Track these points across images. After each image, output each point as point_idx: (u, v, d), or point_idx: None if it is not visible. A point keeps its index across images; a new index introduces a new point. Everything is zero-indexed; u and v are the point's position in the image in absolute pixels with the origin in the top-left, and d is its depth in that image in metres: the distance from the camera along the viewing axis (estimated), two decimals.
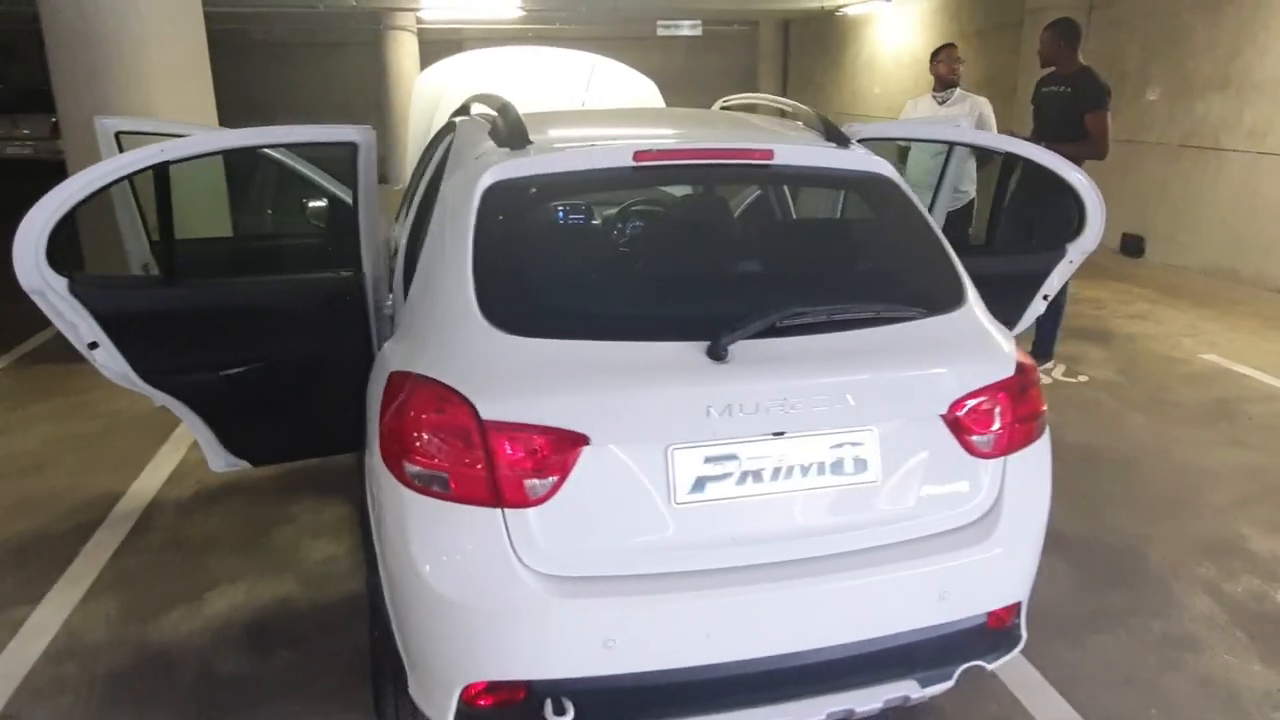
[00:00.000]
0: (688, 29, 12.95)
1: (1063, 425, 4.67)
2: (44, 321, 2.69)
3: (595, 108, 4.79)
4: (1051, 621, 3.02)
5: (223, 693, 2.69)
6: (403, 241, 3.07)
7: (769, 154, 2.30)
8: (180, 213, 2.93)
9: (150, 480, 4.07)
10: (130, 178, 2.75)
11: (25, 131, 15.71)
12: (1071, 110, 5.00)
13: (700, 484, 1.90)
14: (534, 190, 2.21)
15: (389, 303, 3.06)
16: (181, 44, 5.37)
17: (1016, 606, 2.21)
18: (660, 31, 12.96)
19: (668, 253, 2.28)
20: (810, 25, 16.06)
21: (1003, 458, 2.11)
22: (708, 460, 1.90)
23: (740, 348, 1.92)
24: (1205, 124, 7.96)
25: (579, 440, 1.83)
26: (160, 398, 3.00)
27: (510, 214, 2.15)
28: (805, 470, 1.95)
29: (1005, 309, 3.20)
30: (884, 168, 2.42)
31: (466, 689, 1.90)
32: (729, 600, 1.90)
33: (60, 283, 2.67)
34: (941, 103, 5.79)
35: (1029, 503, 2.16)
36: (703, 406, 1.87)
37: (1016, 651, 2.26)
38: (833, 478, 1.97)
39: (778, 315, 1.94)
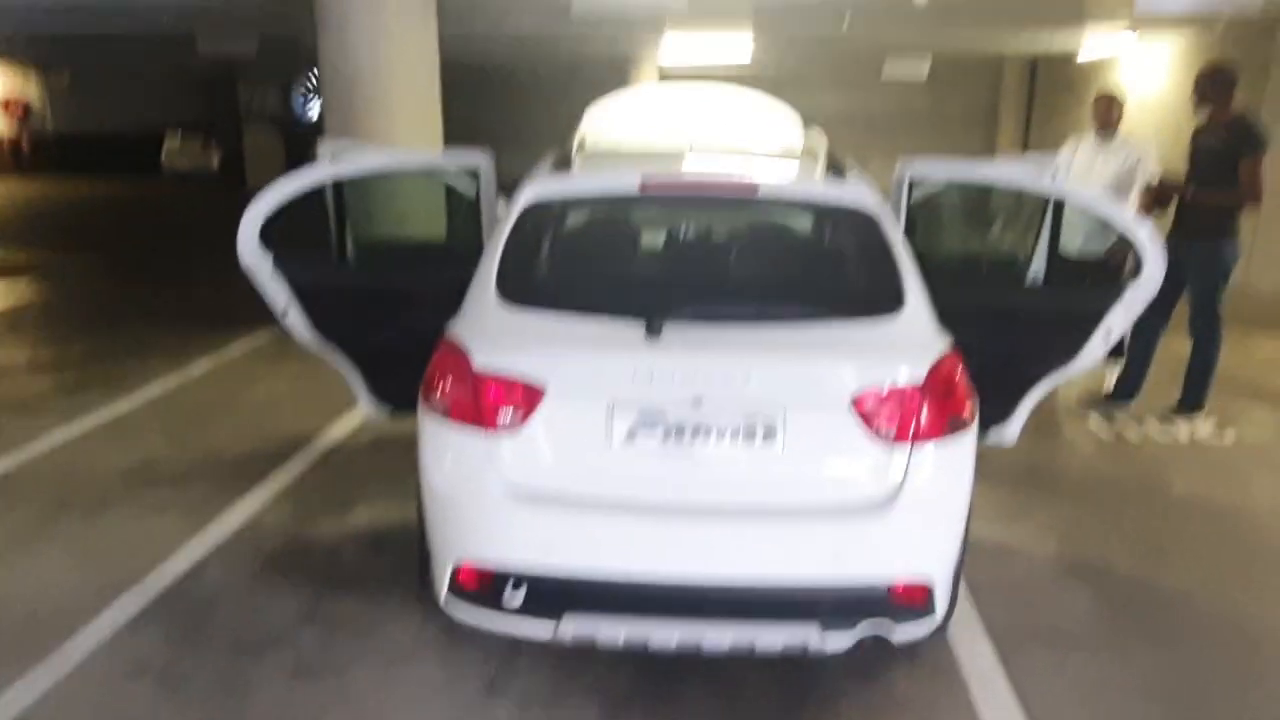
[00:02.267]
0: (913, 72, 13.06)
1: (1182, 479, 4.62)
2: None
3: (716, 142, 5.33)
4: (1046, 634, 3.20)
5: (340, 571, 3.58)
6: None
7: (754, 187, 2.82)
8: (404, 219, 3.90)
9: (342, 427, 5.16)
10: (316, 188, 3.72)
11: None
12: (1225, 159, 4.90)
13: (632, 434, 2.46)
14: (557, 204, 2.88)
15: None
16: (417, 87, 6.59)
17: (927, 587, 2.53)
18: (885, 74, 13.18)
19: (644, 254, 2.85)
20: (1054, 67, 15.48)
21: (908, 447, 2.46)
22: (639, 415, 2.45)
23: (676, 330, 2.46)
24: None
25: (539, 388, 2.46)
26: (328, 351, 3.96)
27: (537, 220, 2.84)
28: (721, 434, 2.45)
29: (1061, 343, 3.42)
30: (862, 200, 2.84)
31: (456, 570, 2.57)
32: (647, 527, 2.44)
33: (267, 259, 3.68)
34: (1102, 145, 5.78)
35: (935, 492, 2.49)
36: (632, 371, 2.43)
37: (928, 629, 2.57)
38: (744, 443, 2.44)
39: (705, 306, 2.47)
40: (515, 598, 2.49)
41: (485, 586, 2.54)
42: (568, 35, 10.79)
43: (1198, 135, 5.22)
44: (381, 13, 6.35)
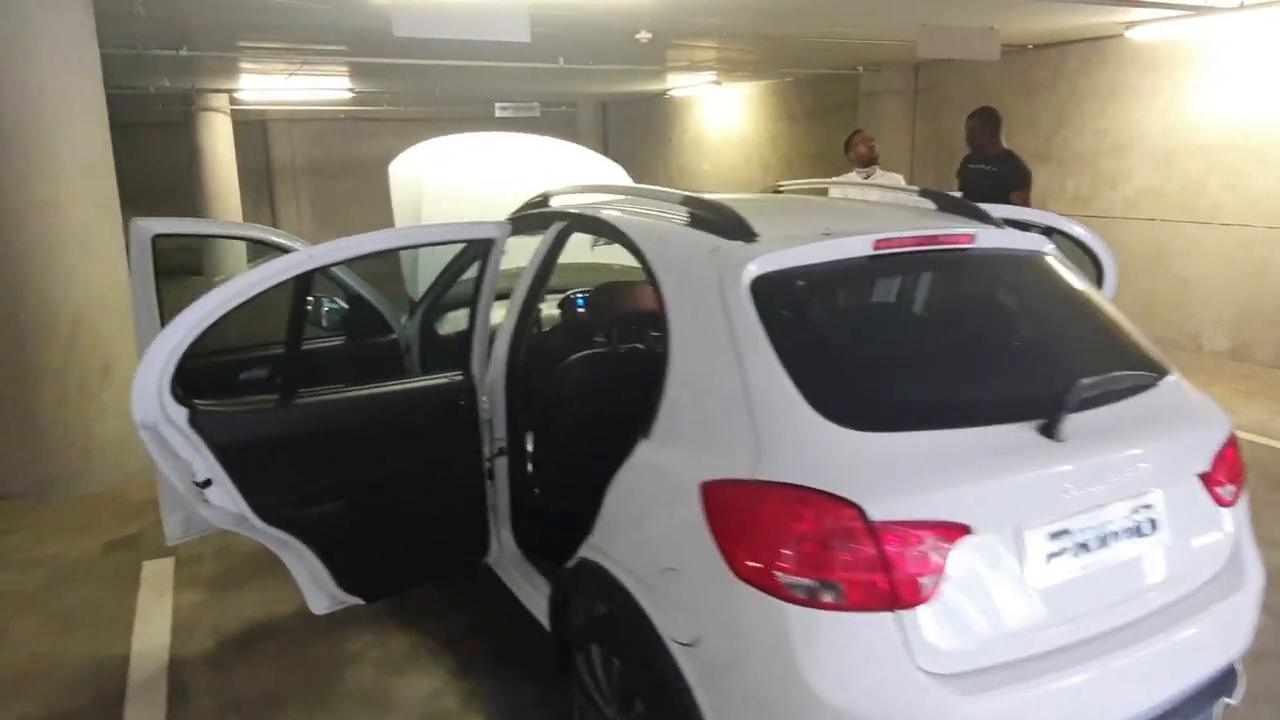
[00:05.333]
0: (526, 111, 13.12)
1: None
2: None
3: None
4: None
5: None
6: (503, 344, 2.90)
7: (971, 237, 2.43)
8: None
9: (152, 636, 3.47)
10: (270, 290, 2.42)
11: None
12: (998, 187, 5.60)
13: (1048, 560, 1.94)
14: (801, 282, 2.18)
15: (485, 405, 2.90)
16: (89, 144, 4.78)
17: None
18: (499, 113, 13.04)
19: (958, 337, 2.33)
20: (629, 106, 16.71)
21: (1233, 506, 2.30)
22: (1051, 537, 1.94)
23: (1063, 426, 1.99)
24: (1033, 192, 9.08)
25: (960, 531, 1.82)
26: (271, 537, 2.63)
27: (788, 305, 2.12)
28: (1118, 536, 2.04)
29: None
30: (1048, 244, 2.62)
31: None
32: (1098, 670, 1.93)
33: (180, 414, 2.33)
34: (865, 177, 6.25)
35: (1252, 545, 2.36)
36: (1057, 485, 1.92)
37: (1243, 686, 2.42)
38: (1140, 540, 2.07)
39: (1087, 389, 2.03)
40: None
41: None
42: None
43: (968, 164, 5.92)
44: (34, 63, 4.49)
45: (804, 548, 1.79)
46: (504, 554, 3.04)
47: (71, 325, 4.77)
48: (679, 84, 13.39)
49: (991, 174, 5.68)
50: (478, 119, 15.57)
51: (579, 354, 3.09)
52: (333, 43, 7.68)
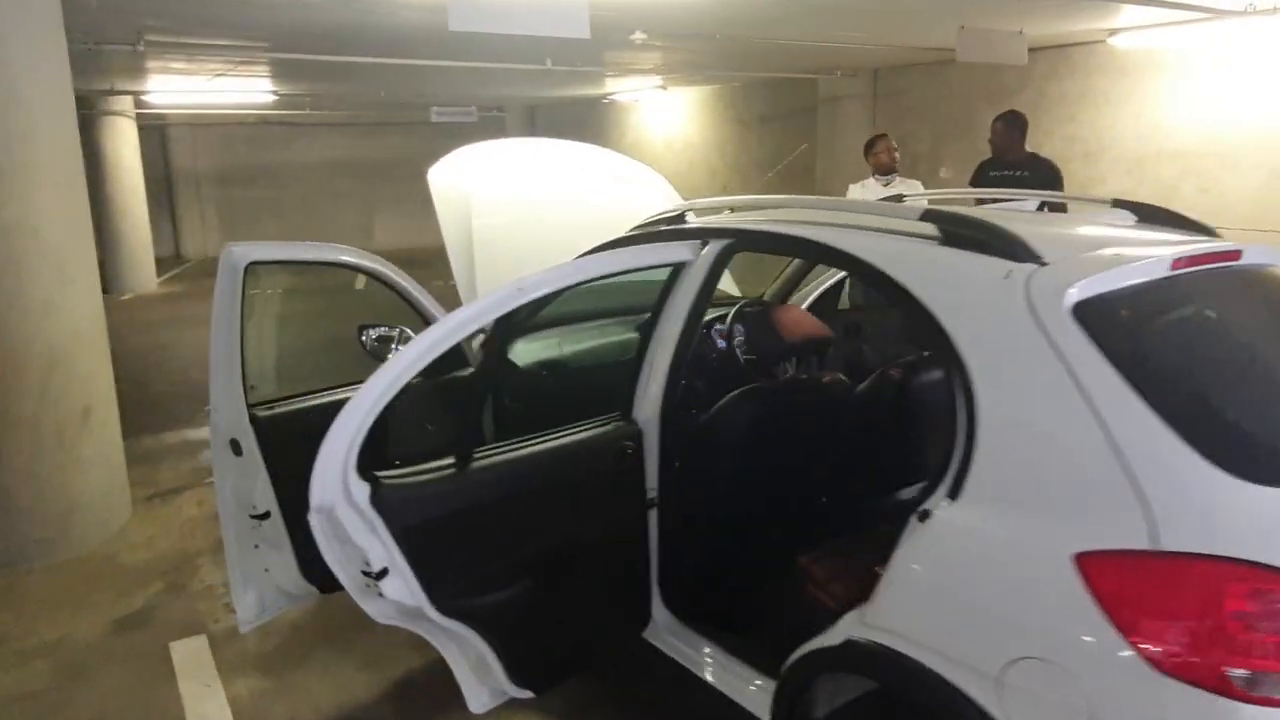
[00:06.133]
0: (463, 116, 12.52)
1: None
2: None
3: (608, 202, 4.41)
4: None
5: None
6: (658, 382, 2.52)
7: (1239, 253, 2.23)
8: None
9: None
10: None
11: None
12: (1027, 188, 5.49)
13: None
14: (1125, 310, 1.91)
15: None
16: (62, 161, 4.13)
17: None
18: (435, 118, 12.40)
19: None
20: (562, 110, 16.25)
21: None
22: None
23: None
24: None
25: None
26: (442, 631, 2.19)
27: (1122, 337, 1.84)
28: None
29: None
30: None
31: None
32: None
33: (363, 491, 1.88)
34: (885, 185, 6.08)
35: None
36: None
37: None
38: None
39: None
40: None
41: None
42: None
43: (988, 169, 5.79)
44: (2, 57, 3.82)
45: (1250, 635, 1.51)
46: (658, 623, 2.66)
47: (46, 366, 4.08)
48: (621, 88, 13.04)
49: (1021, 179, 5.57)
50: (408, 124, 14.91)
51: (740, 389, 2.74)
52: (299, 38, 6.99)
